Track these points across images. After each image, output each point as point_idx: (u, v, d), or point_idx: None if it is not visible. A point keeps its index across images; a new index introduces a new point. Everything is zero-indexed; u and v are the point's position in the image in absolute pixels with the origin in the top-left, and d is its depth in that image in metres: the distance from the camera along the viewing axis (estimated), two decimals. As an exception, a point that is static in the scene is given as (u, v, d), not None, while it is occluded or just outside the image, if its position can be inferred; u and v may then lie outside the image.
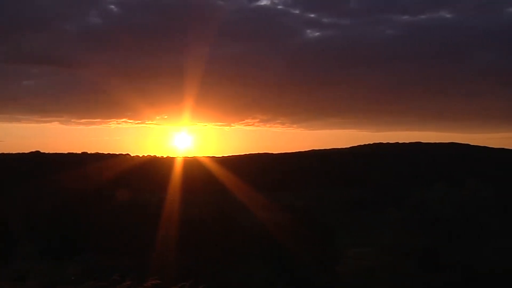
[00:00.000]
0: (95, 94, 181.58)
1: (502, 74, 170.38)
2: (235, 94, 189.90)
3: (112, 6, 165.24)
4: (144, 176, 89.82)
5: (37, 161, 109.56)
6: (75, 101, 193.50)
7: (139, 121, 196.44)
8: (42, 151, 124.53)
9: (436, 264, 30.95)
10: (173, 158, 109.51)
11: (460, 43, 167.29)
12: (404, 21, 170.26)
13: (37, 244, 34.16)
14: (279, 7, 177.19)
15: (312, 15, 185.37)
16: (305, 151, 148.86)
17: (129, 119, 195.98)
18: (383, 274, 31.78)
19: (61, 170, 75.99)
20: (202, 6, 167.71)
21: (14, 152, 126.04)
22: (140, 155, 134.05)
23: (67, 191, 45.61)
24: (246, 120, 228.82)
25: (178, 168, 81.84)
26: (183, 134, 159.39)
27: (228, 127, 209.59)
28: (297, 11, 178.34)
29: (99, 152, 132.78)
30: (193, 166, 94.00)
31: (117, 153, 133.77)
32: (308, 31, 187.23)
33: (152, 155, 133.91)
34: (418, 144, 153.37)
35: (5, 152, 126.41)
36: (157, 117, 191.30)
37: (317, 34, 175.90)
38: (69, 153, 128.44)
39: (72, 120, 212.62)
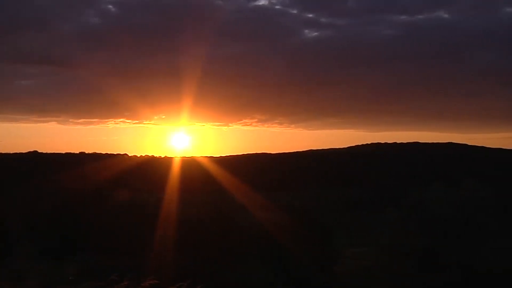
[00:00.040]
0: (93, 94, 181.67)
1: (500, 74, 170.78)
2: (233, 94, 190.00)
3: (110, 6, 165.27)
4: (142, 176, 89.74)
5: (34, 161, 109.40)
6: (73, 101, 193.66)
7: (137, 121, 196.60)
8: (39, 151, 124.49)
9: (435, 264, 30.97)
10: (171, 158, 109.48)
11: (458, 43, 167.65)
12: (402, 21, 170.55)
13: (35, 244, 34.10)
14: (277, 7, 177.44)
15: (310, 15, 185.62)
16: (303, 151, 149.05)
17: (127, 119, 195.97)
18: (381, 274, 31.80)
19: (59, 170, 75.86)
20: (200, 6, 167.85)
21: (11, 152, 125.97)
22: (138, 155, 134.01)
23: (65, 191, 45.51)
24: (244, 120, 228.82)
25: (176, 168, 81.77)
26: (181, 134, 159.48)
27: (226, 127, 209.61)
28: (295, 11, 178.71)
29: (97, 152, 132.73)
30: (191, 166, 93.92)
31: (115, 153, 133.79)
32: (306, 31, 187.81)
33: (150, 155, 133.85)
34: (416, 144, 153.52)
35: (2, 152, 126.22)
36: (155, 117, 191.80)
37: (315, 34, 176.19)
38: (67, 153, 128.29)
39: (70, 120, 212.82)
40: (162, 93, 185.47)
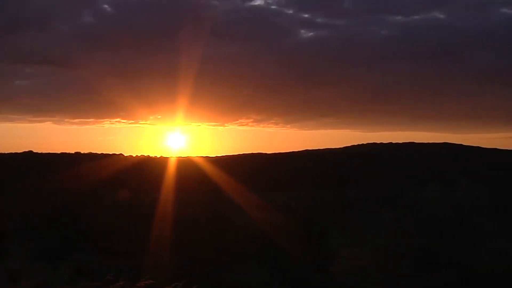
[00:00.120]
0: (88, 94, 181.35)
1: (496, 75, 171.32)
2: (229, 94, 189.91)
3: (106, 6, 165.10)
4: (138, 176, 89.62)
5: (30, 161, 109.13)
6: (68, 101, 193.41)
7: (133, 121, 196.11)
8: (35, 151, 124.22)
9: (431, 264, 31.01)
10: (166, 158, 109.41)
11: (453, 43, 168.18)
12: (398, 22, 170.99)
13: (31, 244, 34.02)
14: (273, 7, 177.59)
15: (306, 15, 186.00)
16: (299, 151, 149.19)
17: (122, 119, 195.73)
18: (377, 274, 31.83)
19: (55, 170, 75.71)
20: (196, 6, 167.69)
21: (6, 152, 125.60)
22: (134, 155, 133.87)
23: (60, 191, 45.43)
24: (240, 120, 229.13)
25: (171, 168, 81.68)
26: (176, 134, 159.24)
27: (222, 127, 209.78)
28: (291, 11, 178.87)
29: (93, 152, 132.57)
30: (187, 166, 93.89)
31: (111, 153, 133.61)
32: (302, 31, 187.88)
33: (145, 155, 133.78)
34: (411, 144, 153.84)
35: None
36: (151, 117, 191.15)
37: (311, 34, 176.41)
38: (62, 153, 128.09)
39: (65, 120, 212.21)
40: (157, 93, 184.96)
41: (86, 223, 35.20)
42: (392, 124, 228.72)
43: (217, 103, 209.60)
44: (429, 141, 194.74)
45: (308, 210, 50.46)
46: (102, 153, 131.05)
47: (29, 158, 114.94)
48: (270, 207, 41.40)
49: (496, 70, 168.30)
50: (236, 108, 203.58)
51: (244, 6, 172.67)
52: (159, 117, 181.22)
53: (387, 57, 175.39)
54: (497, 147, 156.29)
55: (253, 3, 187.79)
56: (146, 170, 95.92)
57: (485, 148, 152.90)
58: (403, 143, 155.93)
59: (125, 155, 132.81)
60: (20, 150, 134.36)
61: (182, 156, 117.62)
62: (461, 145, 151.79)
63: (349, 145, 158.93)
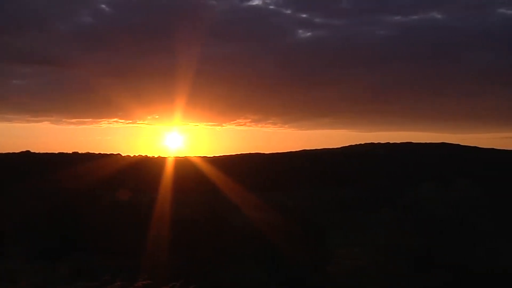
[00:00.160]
0: (86, 94, 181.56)
1: (493, 75, 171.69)
2: (227, 94, 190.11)
3: (104, 6, 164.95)
4: (136, 176, 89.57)
5: (27, 161, 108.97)
6: (66, 100, 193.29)
7: (130, 121, 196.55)
8: (32, 151, 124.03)
9: (429, 264, 31.07)
10: (164, 158, 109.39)
11: (451, 44, 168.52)
12: (396, 22, 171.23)
13: (28, 244, 34.01)
14: (271, 7, 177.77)
15: (304, 15, 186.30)
16: (296, 151, 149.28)
17: (120, 118, 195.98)
18: (375, 274, 31.89)
19: (52, 170, 75.65)
20: (193, 6, 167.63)
21: (4, 152, 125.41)
22: (132, 155, 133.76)
23: (58, 191, 45.39)
24: (237, 120, 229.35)
25: (169, 168, 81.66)
26: (174, 134, 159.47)
27: (219, 127, 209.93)
28: (289, 11, 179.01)
29: (90, 152, 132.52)
30: (184, 166, 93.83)
31: (108, 153, 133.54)
32: (300, 31, 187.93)
33: (143, 155, 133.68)
34: (408, 144, 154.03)
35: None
36: (149, 117, 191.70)
37: (309, 34, 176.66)
38: (59, 153, 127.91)
39: (63, 119, 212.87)
40: (155, 93, 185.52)
41: (84, 223, 35.17)
42: (390, 124, 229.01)
43: (215, 103, 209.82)
44: (427, 141, 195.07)
45: (305, 210, 50.39)
46: (100, 153, 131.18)
47: (27, 158, 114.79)
48: (268, 207, 41.42)
49: (494, 70, 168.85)
50: (234, 108, 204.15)
51: (242, 6, 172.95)
52: (157, 117, 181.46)
53: (385, 57, 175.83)
54: (494, 147, 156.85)
55: (251, 3, 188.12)
56: (144, 170, 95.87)
57: (482, 148, 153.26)
58: (400, 143, 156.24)
59: (123, 155, 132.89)
60: (17, 150, 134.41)
61: (180, 156, 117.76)
62: (458, 145, 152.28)
63: (347, 145, 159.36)
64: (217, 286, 28.25)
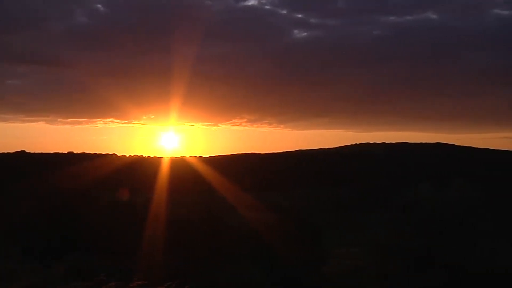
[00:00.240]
0: (81, 94, 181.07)
1: (488, 75, 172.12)
2: (222, 94, 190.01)
3: (99, 6, 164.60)
4: (131, 176, 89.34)
5: (22, 161, 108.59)
6: (62, 100, 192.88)
7: (126, 121, 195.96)
8: (27, 151, 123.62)
9: (425, 264, 31.05)
10: (160, 158, 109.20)
11: (446, 44, 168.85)
12: (391, 22, 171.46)
13: (25, 244, 33.88)
14: (267, 7, 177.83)
15: (300, 15, 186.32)
16: (292, 151, 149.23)
17: (115, 118, 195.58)
18: (370, 273, 31.85)
19: (47, 170, 75.42)
20: (189, 6, 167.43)
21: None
22: (127, 155, 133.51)
23: (53, 191, 45.24)
24: (233, 120, 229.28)
25: (165, 168, 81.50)
26: (170, 134, 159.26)
27: (215, 127, 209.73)
28: (284, 11, 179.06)
29: (86, 152, 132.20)
30: (180, 166, 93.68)
31: (104, 153, 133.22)
32: (296, 31, 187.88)
33: (139, 155, 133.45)
34: (404, 144, 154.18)
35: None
36: (144, 117, 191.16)
37: (304, 34, 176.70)
38: (55, 153, 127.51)
39: (58, 119, 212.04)
40: (151, 93, 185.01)
41: (80, 223, 35.05)
42: (386, 124, 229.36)
43: (210, 103, 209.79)
44: (422, 141, 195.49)
45: (301, 210, 50.46)
46: (95, 153, 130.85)
47: (22, 158, 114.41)
48: (263, 207, 41.38)
49: (489, 71, 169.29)
50: (229, 108, 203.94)
51: (238, 6, 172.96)
52: (153, 117, 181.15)
53: (380, 57, 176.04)
54: (489, 147, 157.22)
55: (246, 3, 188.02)
56: (139, 170, 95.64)
57: (477, 148, 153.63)
58: (396, 143, 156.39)
59: (118, 155, 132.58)
60: (12, 150, 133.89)
61: (176, 156, 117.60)
62: (453, 145, 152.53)
63: (343, 145, 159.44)
64: (213, 286, 28.15)
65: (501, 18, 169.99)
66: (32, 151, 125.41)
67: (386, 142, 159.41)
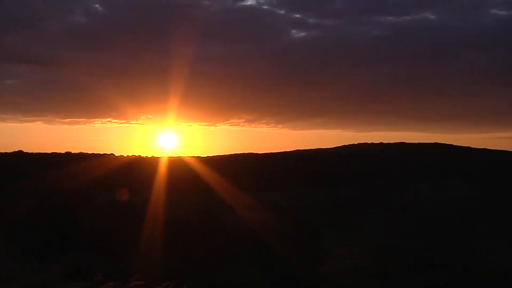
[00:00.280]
0: (79, 94, 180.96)
1: (486, 75, 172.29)
2: (220, 94, 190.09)
3: (97, 5, 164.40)
4: (129, 176, 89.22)
5: (19, 161, 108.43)
6: (59, 100, 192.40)
7: (124, 121, 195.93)
8: (25, 151, 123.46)
9: (425, 264, 31.03)
10: (158, 158, 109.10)
11: (444, 44, 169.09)
12: (389, 22, 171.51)
13: (22, 244, 33.81)
14: (265, 7, 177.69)
15: (298, 16, 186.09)
16: (290, 151, 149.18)
17: (113, 118, 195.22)
18: (370, 273, 31.82)
19: (45, 170, 75.29)
20: (187, 6, 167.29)
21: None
22: (125, 155, 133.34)
23: (51, 191, 45.16)
24: (231, 120, 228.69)
25: (163, 168, 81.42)
26: (168, 134, 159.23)
27: (213, 127, 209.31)
28: (282, 11, 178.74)
29: (84, 152, 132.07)
30: (178, 166, 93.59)
31: (102, 153, 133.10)
32: (294, 31, 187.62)
33: (137, 155, 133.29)
34: (402, 144, 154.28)
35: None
36: (142, 117, 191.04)
37: (302, 34, 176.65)
38: (52, 153, 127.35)
39: (56, 119, 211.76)
40: (149, 93, 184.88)
41: (78, 223, 35.00)
42: (383, 124, 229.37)
43: (208, 103, 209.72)
44: (419, 141, 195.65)
45: (299, 210, 50.35)
46: (93, 153, 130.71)
47: (20, 158, 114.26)
48: (261, 207, 41.33)
49: (487, 71, 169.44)
50: (227, 108, 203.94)
51: (236, 6, 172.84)
52: (150, 117, 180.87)
53: (379, 57, 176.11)
54: (487, 147, 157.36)
55: (244, 3, 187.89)
56: (137, 170, 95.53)
57: (475, 148, 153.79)
58: (393, 143, 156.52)
59: (116, 155, 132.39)
60: (10, 149, 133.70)
61: (174, 156, 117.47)
62: (451, 145, 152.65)
63: (341, 145, 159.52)
64: (211, 286, 28.11)
65: (501, 18, 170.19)
66: (30, 151, 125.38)
67: (385, 142, 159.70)
